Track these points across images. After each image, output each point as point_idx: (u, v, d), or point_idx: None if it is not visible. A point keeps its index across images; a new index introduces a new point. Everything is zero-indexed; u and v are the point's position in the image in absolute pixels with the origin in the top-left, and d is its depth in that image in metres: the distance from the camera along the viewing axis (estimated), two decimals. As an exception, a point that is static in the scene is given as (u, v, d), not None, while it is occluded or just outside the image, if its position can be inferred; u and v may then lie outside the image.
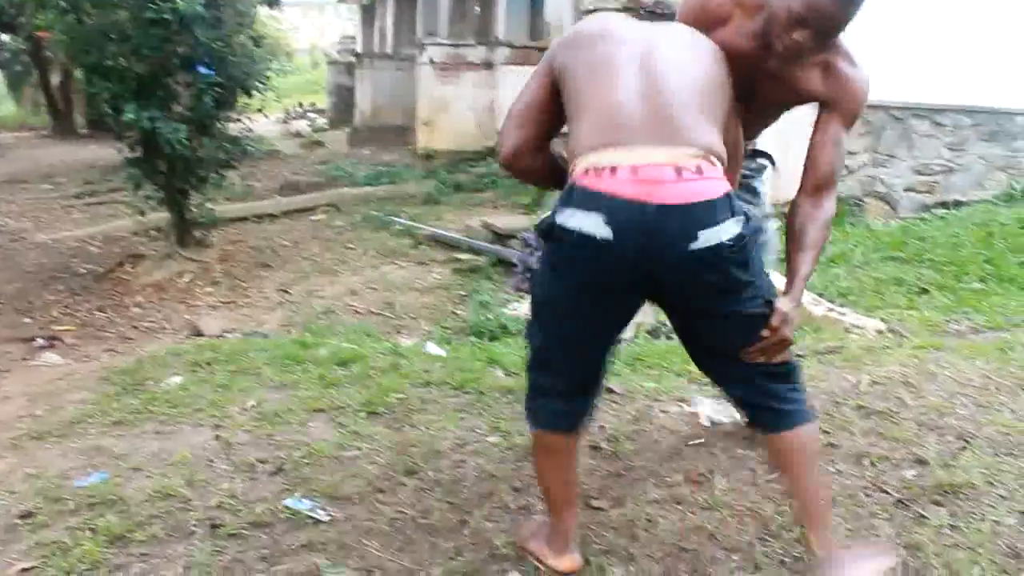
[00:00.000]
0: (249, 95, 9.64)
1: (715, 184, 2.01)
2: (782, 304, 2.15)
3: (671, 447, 3.10)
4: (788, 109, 2.53)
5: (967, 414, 3.18)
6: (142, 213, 8.70)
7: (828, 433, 3.11)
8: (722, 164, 2.07)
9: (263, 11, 10.06)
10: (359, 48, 30.66)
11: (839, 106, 2.33)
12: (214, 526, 2.67)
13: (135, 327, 6.98)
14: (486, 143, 12.94)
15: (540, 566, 2.40)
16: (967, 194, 6.94)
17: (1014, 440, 2.94)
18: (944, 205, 6.82)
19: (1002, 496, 2.61)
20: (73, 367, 5.15)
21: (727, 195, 2.01)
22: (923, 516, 2.55)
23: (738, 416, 3.24)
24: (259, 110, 10.23)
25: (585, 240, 1.98)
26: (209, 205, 9.68)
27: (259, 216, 11.04)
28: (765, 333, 2.12)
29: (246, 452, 3.18)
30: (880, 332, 4.43)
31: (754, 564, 2.40)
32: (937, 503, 2.62)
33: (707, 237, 1.96)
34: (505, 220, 8.98)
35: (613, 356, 2.35)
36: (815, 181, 2.31)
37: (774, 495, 2.71)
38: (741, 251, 2.02)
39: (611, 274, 2.04)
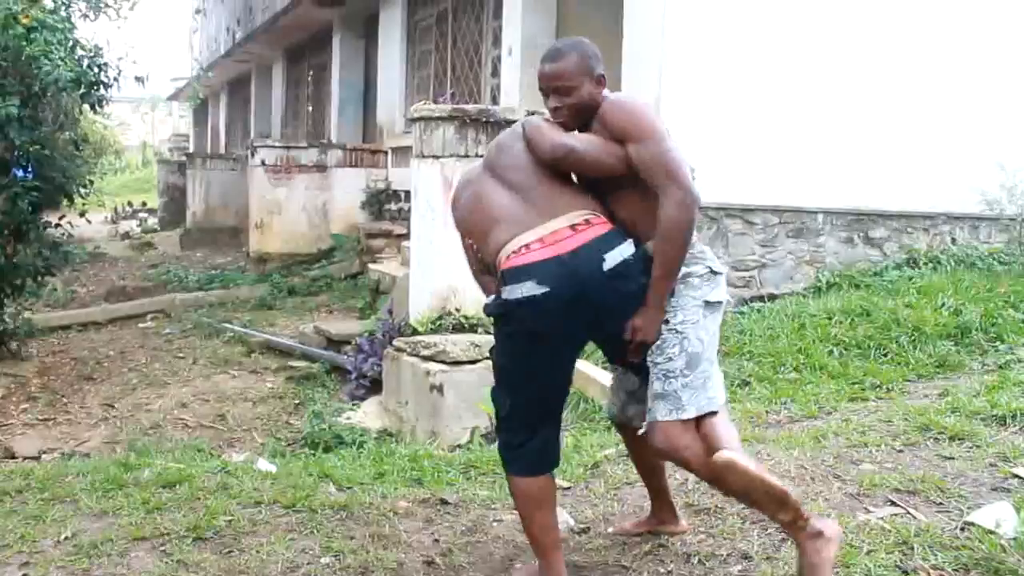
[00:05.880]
0: (71, 200, 9.31)
1: (600, 227, 2.64)
2: (635, 318, 2.68)
3: (505, 557, 3.10)
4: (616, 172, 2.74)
5: (786, 505, 3.32)
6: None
7: (656, 535, 3.19)
8: (604, 216, 2.69)
9: (88, 110, 9.77)
10: (191, 147, 30.21)
11: (624, 136, 2.69)
12: None
13: (-65, 453, 6.45)
14: (320, 245, 12.86)
15: None
16: (780, 287, 7.34)
17: (829, 529, 3.08)
18: (760, 299, 7.18)
19: (820, 586, 2.72)
20: None
21: (613, 230, 2.66)
22: (748, 612, 2.63)
23: (571, 521, 3.29)
24: (82, 214, 9.88)
25: (529, 300, 2.57)
26: (27, 314, 9.19)
27: (83, 324, 10.55)
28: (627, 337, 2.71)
29: (58, 591, 2.97)
30: (706, 426, 4.58)
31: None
32: (761, 597, 2.71)
33: (612, 257, 2.59)
34: (339, 326, 8.88)
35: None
36: None
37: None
38: (639, 262, 2.64)
39: (558, 316, 2.60)
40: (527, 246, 2.60)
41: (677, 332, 2.70)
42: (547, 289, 2.54)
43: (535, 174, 2.73)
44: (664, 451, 2.74)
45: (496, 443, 2.94)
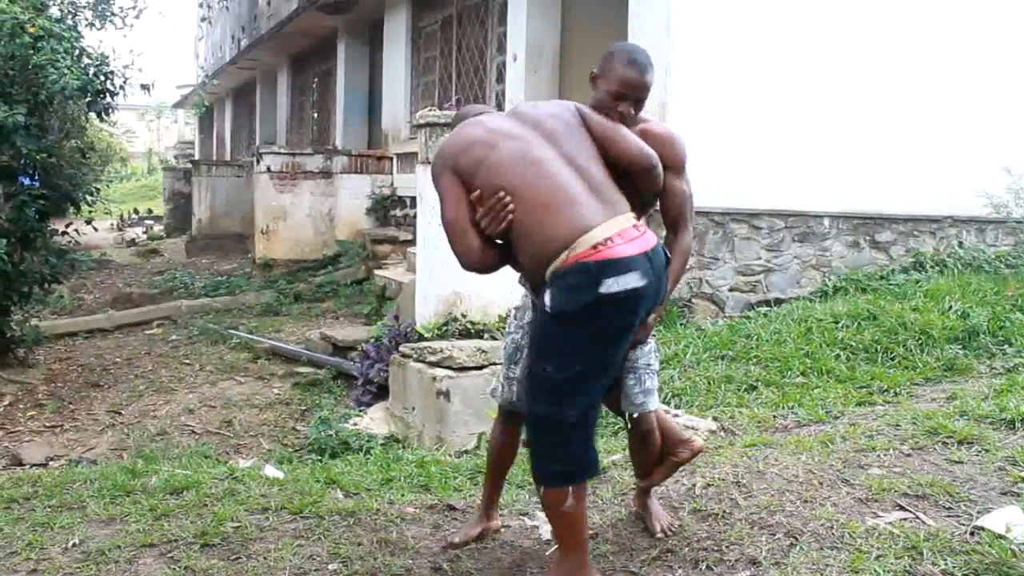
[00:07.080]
0: (77, 207, 9.34)
1: (649, 229, 2.77)
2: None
3: (513, 563, 3.09)
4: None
5: (794, 510, 3.31)
6: (-47, 333, 8.20)
7: (666, 540, 3.18)
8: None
9: (94, 118, 9.80)
10: (197, 154, 30.31)
11: (671, 167, 2.98)
12: None
13: (-57, 460, 6.46)
14: (325, 252, 12.90)
15: None
16: (786, 292, 7.33)
17: (837, 533, 3.08)
18: (767, 303, 7.17)
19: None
20: None
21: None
22: (757, 618, 2.62)
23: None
24: (88, 221, 9.91)
25: (631, 293, 2.60)
26: (34, 321, 9.20)
27: (90, 331, 10.58)
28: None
29: (65, 599, 2.97)
30: (712, 432, 4.58)
31: None
32: (770, 603, 2.70)
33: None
34: (345, 332, 8.90)
35: None
36: (667, 222, 3.09)
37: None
38: None
39: (643, 309, 2.72)
40: (610, 239, 2.60)
41: (654, 338, 3.20)
42: (645, 283, 2.62)
43: (601, 166, 2.78)
44: (652, 433, 3.18)
45: (549, 472, 2.71)
